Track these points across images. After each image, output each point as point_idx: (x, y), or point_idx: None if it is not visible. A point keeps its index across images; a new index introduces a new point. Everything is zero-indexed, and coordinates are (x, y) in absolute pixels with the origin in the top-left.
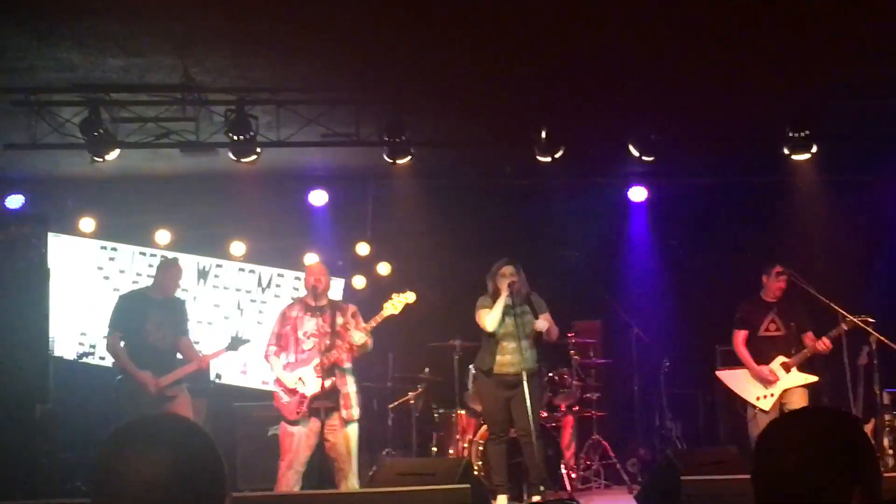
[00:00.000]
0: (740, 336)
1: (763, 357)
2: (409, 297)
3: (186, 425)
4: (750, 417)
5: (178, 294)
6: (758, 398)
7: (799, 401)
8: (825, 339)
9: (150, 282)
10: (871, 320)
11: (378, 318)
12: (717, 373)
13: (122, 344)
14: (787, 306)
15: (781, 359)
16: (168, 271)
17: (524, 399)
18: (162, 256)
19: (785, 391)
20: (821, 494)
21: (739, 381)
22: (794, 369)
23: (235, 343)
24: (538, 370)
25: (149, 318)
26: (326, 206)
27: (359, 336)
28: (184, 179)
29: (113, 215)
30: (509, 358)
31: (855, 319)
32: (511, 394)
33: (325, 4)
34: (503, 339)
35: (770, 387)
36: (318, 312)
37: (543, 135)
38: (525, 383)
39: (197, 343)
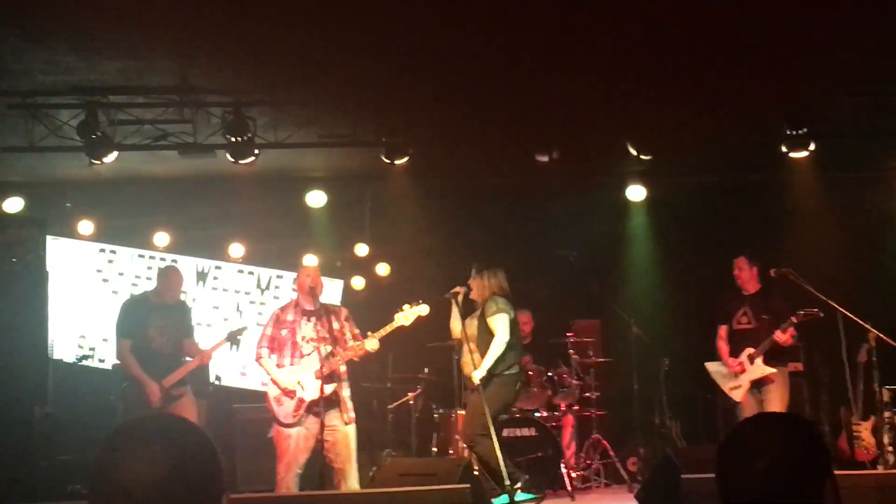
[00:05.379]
0: (720, 331)
1: (737, 350)
2: (423, 309)
3: (183, 424)
4: (735, 407)
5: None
6: (731, 389)
7: (774, 396)
8: (779, 332)
9: (149, 284)
10: (822, 315)
11: (388, 329)
12: (706, 364)
13: (131, 351)
14: (762, 299)
15: (749, 351)
16: (169, 278)
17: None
18: (160, 259)
19: (759, 384)
20: (798, 491)
21: (719, 373)
22: (758, 360)
23: (233, 335)
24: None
25: (151, 324)
26: (325, 207)
27: (372, 343)
28: (182, 181)
29: (111, 218)
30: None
31: (809, 311)
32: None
33: (322, 7)
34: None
35: (738, 378)
36: (314, 316)
37: (546, 157)
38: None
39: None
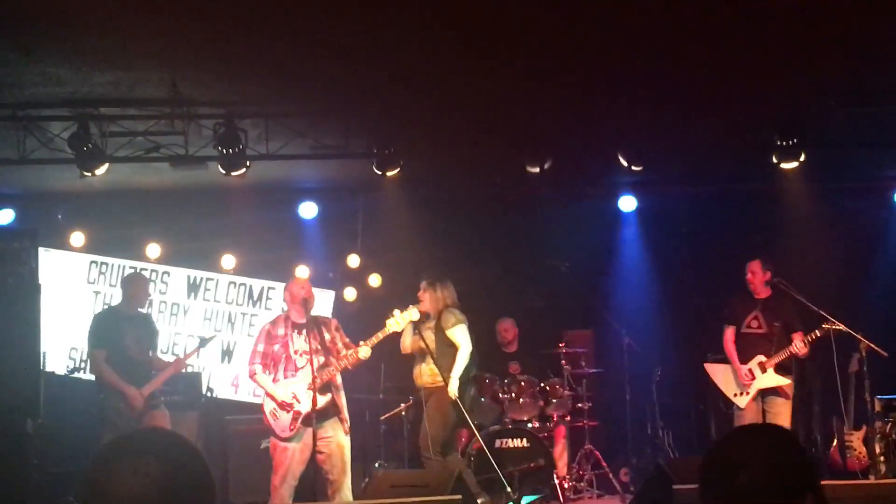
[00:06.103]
0: (728, 332)
1: (745, 354)
2: (413, 314)
3: (174, 438)
4: (734, 413)
5: (173, 307)
6: (735, 395)
7: (780, 408)
8: (801, 344)
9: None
10: (844, 328)
11: (380, 335)
12: (705, 365)
13: (105, 361)
14: (775, 304)
15: (760, 358)
16: (135, 284)
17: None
18: (152, 270)
19: (765, 394)
20: None
21: (722, 376)
22: (770, 370)
23: (204, 342)
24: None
25: (126, 333)
26: (317, 218)
27: (365, 352)
28: (174, 193)
29: (103, 229)
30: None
31: (838, 326)
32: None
33: (314, 18)
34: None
35: (746, 385)
36: (305, 329)
37: (538, 168)
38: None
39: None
